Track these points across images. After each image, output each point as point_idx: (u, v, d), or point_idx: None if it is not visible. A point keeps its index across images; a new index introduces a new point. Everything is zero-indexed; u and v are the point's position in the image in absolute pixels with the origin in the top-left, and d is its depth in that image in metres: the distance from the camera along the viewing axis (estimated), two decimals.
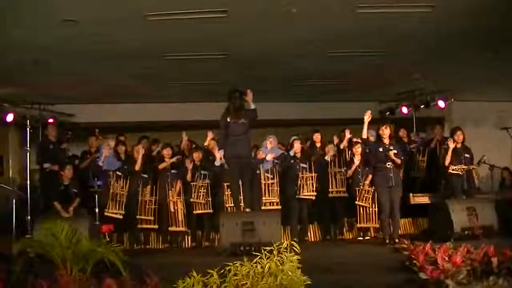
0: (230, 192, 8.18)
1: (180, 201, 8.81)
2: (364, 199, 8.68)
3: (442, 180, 8.88)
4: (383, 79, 10.56)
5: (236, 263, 5.23)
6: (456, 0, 6.72)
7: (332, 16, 7.10)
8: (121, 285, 5.25)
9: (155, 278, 5.28)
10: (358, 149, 8.86)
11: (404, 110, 11.72)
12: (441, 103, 11.18)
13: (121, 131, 10.53)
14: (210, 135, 9.41)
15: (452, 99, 11.44)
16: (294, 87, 11.01)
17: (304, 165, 8.73)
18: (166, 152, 9.01)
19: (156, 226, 8.78)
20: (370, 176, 8.50)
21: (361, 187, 8.73)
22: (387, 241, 7.70)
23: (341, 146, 9.44)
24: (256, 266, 5.16)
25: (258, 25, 7.42)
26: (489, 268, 5.99)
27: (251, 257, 5.37)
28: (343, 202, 9.10)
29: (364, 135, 8.00)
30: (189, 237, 8.97)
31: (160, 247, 8.92)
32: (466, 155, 8.43)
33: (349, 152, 9.15)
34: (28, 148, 8.51)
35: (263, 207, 8.48)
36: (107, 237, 8.17)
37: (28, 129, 8.58)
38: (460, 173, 8.30)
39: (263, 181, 8.66)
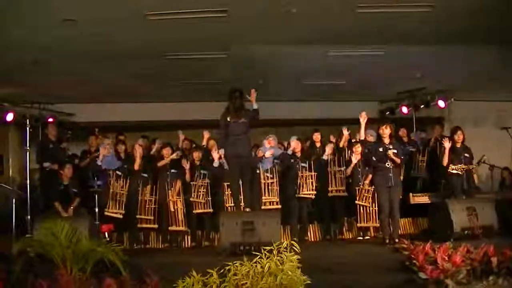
0: (230, 192, 8.19)
1: (180, 200, 8.81)
2: (364, 199, 8.68)
3: (442, 180, 8.87)
4: (383, 79, 10.56)
5: (236, 263, 5.23)
6: (456, 0, 6.72)
7: (332, 16, 7.11)
8: (121, 285, 5.25)
9: (155, 277, 5.28)
10: (358, 149, 8.86)
11: (404, 110, 11.74)
12: (441, 103, 11.20)
13: (121, 131, 10.54)
14: (206, 135, 9.43)
15: (452, 99, 11.45)
16: (294, 87, 11.01)
17: (304, 165, 8.73)
18: (166, 151, 9.00)
19: (156, 226, 8.78)
20: (370, 176, 8.50)
21: (361, 186, 8.73)
22: (387, 241, 7.71)
23: (340, 145, 9.43)
24: (256, 266, 5.16)
25: (258, 25, 7.42)
26: (489, 268, 5.99)
27: (251, 256, 5.37)
28: (342, 201, 9.10)
29: (362, 136, 8.06)
30: (189, 237, 8.98)
31: (160, 246, 8.92)
32: (466, 155, 8.43)
33: (349, 151, 9.15)
34: (28, 148, 8.50)
35: (263, 207, 8.48)
36: (107, 236, 8.17)
37: (28, 128, 8.58)
38: (460, 173, 8.30)
39: (262, 181, 8.66)
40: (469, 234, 7.42)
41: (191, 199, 8.78)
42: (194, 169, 8.93)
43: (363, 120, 7.89)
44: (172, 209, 8.74)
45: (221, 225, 6.98)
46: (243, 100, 7.54)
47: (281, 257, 5.26)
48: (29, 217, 8.17)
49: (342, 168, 9.05)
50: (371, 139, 8.68)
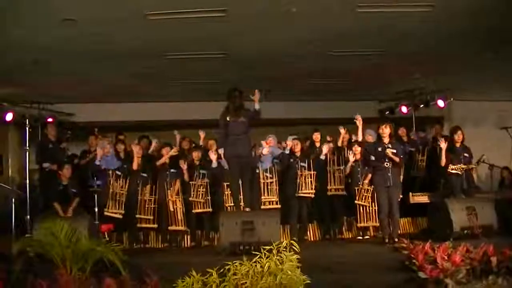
0: (229, 192, 8.19)
1: (179, 200, 8.81)
2: (363, 198, 8.69)
3: (442, 179, 8.87)
4: (383, 79, 10.57)
5: (235, 263, 5.24)
6: (456, 0, 6.72)
7: (332, 15, 7.11)
8: (120, 285, 5.25)
9: (155, 277, 5.28)
10: (357, 148, 8.87)
11: (404, 109, 11.74)
12: (441, 103, 11.20)
13: (121, 130, 10.54)
14: (202, 134, 9.44)
15: (452, 99, 11.46)
16: (294, 87, 11.01)
17: (304, 164, 8.73)
18: (165, 151, 9.00)
19: (155, 226, 8.78)
20: (369, 176, 8.50)
21: (361, 186, 8.73)
22: (387, 240, 7.71)
23: (339, 144, 9.44)
24: (256, 266, 5.17)
25: (257, 25, 7.42)
26: (489, 267, 6.00)
27: (250, 256, 5.38)
28: (341, 200, 9.11)
29: (360, 138, 8.09)
30: (189, 237, 8.97)
31: (160, 246, 8.92)
32: (466, 155, 8.43)
33: (348, 151, 9.15)
34: (28, 148, 8.50)
35: (262, 207, 8.48)
36: (106, 236, 8.17)
37: (27, 128, 8.58)
38: (460, 172, 8.30)
39: (262, 180, 8.66)
40: (468, 233, 7.41)
41: (190, 198, 8.77)
42: (193, 168, 8.92)
43: (359, 122, 7.96)
44: (171, 209, 8.74)
45: (221, 224, 6.98)
46: (243, 100, 7.53)
47: (281, 257, 5.26)
48: (28, 217, 8.17)
49: (341, 167, 9.05)
50: (371, 138, 8.68)
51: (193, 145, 9.72)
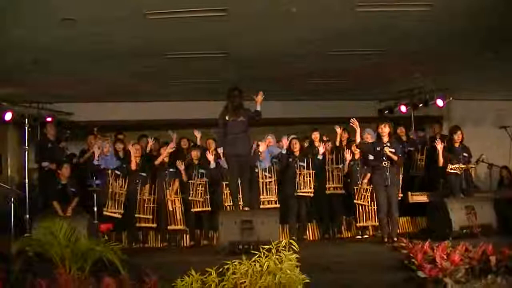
0: (228, 191, 8.19)
1: (178, 199, 8.81)
2: (362, 198, 8.69)
3: (441, 179, 8.88)
4: (383, 78, 10.57)
5: (234, 262, 5.24)
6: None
7: (332, 15, 7.10)
8: (119, 284, 5.25)
9: (154, 277, 5.28)
10: (357, 143, 8.89)
11: (403, 108, 11.74)
12: (440, 102, 11.21)
13: (121, 130, 10.54)
14: (197, 134, 9.44)
15: (451, 98, 11.47)
16: (293, 86, 11.01)
17: (302, 164, 8.74)
18: (163, 150, 8.98)
19: (154, 225, 8.78)
20: (368, 175, 8.51)
21: (360, 186, 8.74)
22: (386, 239, 7.71)
23: (337, 143, 9.44)
24: (255, 265, 5.17)
25: (257, 24, 7.42)
26: (488, 266, 6.00)
27: (249, 255, 5.38)
28: (340, 200, 9.12)
29: (358, 140, 8.11)
30: (188, 236, 8.98)
31: (159, 245, 8.91)
32: (465, 154, 8.43)
33: (347, 150, 9.17)
34: (27, 147, 8.50)
35: (261, 206, 8.48)
36: (105, 236, 8.16)
37: (26, 128, 8.57)
38: (459, 172, 8.30)
39: (261, 180, 8.66)
40: (467, 233, 7.42)
41: (189, 198, 8.77)
42: (192, 167, 8.92)
43: (356, 126, 7.98)
44: (170, 208, 8.75)
45: (220, 224, 6.99)
46: (243, 99, 7.53)
47: (280, 256, 5.27)
48: (27, 216, 8.16)
49: (340, 166, 9.06)
50: (370, 138, 8.68)
51: (192, 144, 9.71)
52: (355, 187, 8.79)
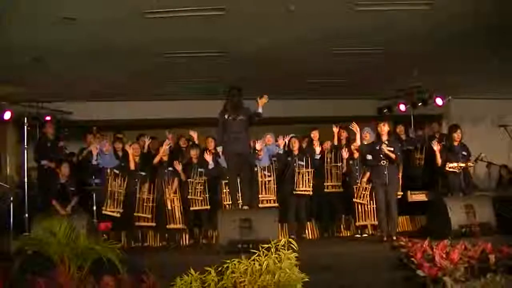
0: (227, 190, 8.19)
1: (177, 198, 8.81)
2: (362, 197, 8.69)
3: (440, 177, 8.88)
4: (382, 77, 10.56)
5: (234, 261, 5.25)
6: None
7: (331, 14, 7.09)
8: (119, 283, 5.27)
9: (153, 276, 5.29)
10: (356, 146, 8.90)
11: (402, 107, 11.74)
12: (439, 101, 11.21)
13: (120, 129, 10.53)
14: (193, 134, 9.43)
15: (450, 97, 11.46)
16: (292, 85, 11.00)
17: (302, 162, 8.74)
18: (161, 149, 8.98)
19: (153, 224, 8.77)
20: (367, 174, 8.51)
21: (359, 184, 8.74)
22: (385, 238, 7.71)
23: (335, 142, 9.45)
24: (254, 264, 5.18)
25: (256, 23, 7.41)
26: (487, 265, 6.02)
27: (249, 254, 5.38)
28: (340, 198, 9.12)
29: (358, 143, 8.22)
30: (187, 235, 8.97)
31: (158, 245, 8.90)
32: (464, 153, 8.42)
33: (346, 148, 9.18)
34: (26, 146, 8.49)
35: (260, 205, 8.48)
36: (104, 235, 8.16)
37: (25, 127, 8.56)
38: (457, 170, 8.30)
39: (260, 179, 8.66)
40: (467, 231, 7.42)
41: (188, 196, 8.77)
42: (191, 166, 8.92)
43: (356, 130, 8.15)
44: (169, 207, 8.74)
45: (219, 223, 6.99)
46: (242, 98, 7.53)
47: (279, 255, 5.27)
48: (27, 215, 8.17)
49: (339, 164, 9.07)
50: (368, 136, 8.69)
51: (191, 143, 9.69)
52: (355, 186, 8.79)
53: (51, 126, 9.91)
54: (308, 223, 9.19)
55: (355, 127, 8.09)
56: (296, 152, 8.89)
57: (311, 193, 8.73)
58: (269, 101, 7.61)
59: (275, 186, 8.76)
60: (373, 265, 6.33)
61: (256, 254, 5.29)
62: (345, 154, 8.98)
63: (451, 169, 8.27)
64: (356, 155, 8.88)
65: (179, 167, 8.87)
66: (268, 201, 8.68)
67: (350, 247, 7.75)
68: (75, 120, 11.44)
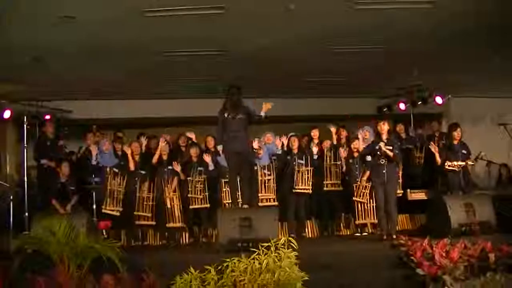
0: (227, 189, 8.19)
1: (177, 197, 8.81)
2: (361, 195, 8.70)
3: (439, 176, 8.88)
4: (382, 75, 10.55)
5: (233, 259, 5.25)
6: None
7: (330, 12, 7.08)
8: (118, 282, 5.26)
9: (153, 274, 5.29)
10: (356, 145, 8.91)
11: (402, 106, 11.73)
12: (439, 100, 11.21)
13: (119, 128, 10.53)
14: (190, 135, 9.42)
15: (450, 96, 11.46)
16: (292, 84, 10.99)
17: (301, 161, 8.75)
18: (164, 148, 8.98)
19: (153, 223, 8.78)
20: (367, 172, 8.51)
21: (359, 183, 8.74)
22: (384, 237, 7.71)
23: (334, 142, 9.46)
24: (254, 262, 5.18)
25: (255, 22, 7.40)
26: (486, 264, 6.02)
27: (248, 253, 5.38)
28: (339, 197, 9.13)
29: (361, 148, 8.41)
30: (187, 233, 8.98)
31: (158, 243, 8.91)
32: (463, 152, 8.42)
33: (346, 147, 9.18)
34: (26, 145, 8.49)
35: (259, 203, 8.48)
36: (104, 233, 8.17)
37: (25, 125, 8.55)
38: (456, 169, 8.29)
39: (260, 177, 8.67)
40: (466, 230, 7.42)
41: (188, 195, 8.77)
42: (191, 165, 8.91)
43: (361, 139, 8.40)
44: (168, 206, 8.74)
45: (219, 221, 6.99)
46: (241, 96, 7.53)
47: (279, 254, 5.27)
48: (26, 214, 8.17)
49: (338, 162, 9.08)
50: (368, 135, 8.71)
51: (190, 142, 9.69)
52: (354, 185, 8.79)
53: (50, 125, 9.90)
54: (308, 221, 9.20)
55: (361, 135, 8.24)
56: (295, 151, 8.90)
57: (310, 191, 8.74)
58: (269, 99, 7.61)
59: (275, 185, 8.76)
60: (373, 263, 6.32)
61: (256, 253, 5.29)
62: (343, 153, 8.98)
63: (450, 168, 8.27)
64: (356, 154, 8.89)
65: (178, 168, 8.86)
66: (268, 199, 8.69)
67: (350, 246, 7.75)
68: (75, 119, 11.43)
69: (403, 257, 6.30)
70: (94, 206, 8.39)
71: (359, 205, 8.74)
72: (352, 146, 8.99)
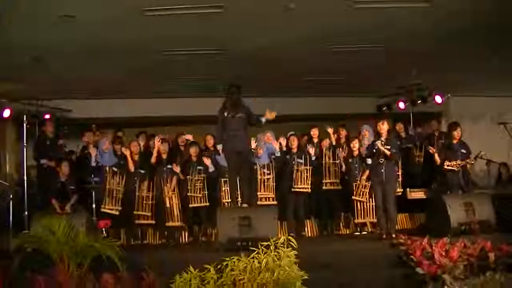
0: (227, 188, 8.19)
1: (176, 196, 8.81)
2: (361, 194, 8.70)
3: (438, 175, 8.88)
4: (382, 74, 10.55)
5: (233, 258, 5.25)
6: None
7: (330, 11, 7.08)
8: (118, 281, 5.27)
9: (152, 273, 5.29)
10: (355, 144, 8.92)
11: (401, 105, 11.74)
12: (438, 99, 11.22)
13: (119, 127, 10.52)
14: (188, 137, 9.44)
15: (449, 95, 11.46)
16: (292, 83, 10.99)
17: (300, 160, 8.75)
18: (163, 147, 8.98)
19: (153, 222, 8.78)
20: (367, 172, 8.51)
21: (358, 182, 8.74)
22: (384, 236, 7.71)
23: (333, 142, 9.46)
24: (253, 261, 5.18)
25: (254, 21, 7.40)
26: (486, 263, 6.02)
27: (248, 252, 5.38)
28: (338, 196, 9.13)
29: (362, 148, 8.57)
30: (186, 233, 8.98)
31: (157, 242, 8.91)
32: (463, 151, 8.42)
33: (346, 147, 9.18)
34: (25, 144, 8.48)
35: (258, 202, 8.49)
36: (104, 232, 8.17)
37: (25, 125, 8.55)
38: (455, 168, 8.29)
39: (259, 176, 8.67)
40: (466, 229, 7.41)
41: (188, 194, 8.77)
42: (190, 164, 8.91)
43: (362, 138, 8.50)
44: (167, 205, 8.74)
45: (218, 220, 6.99)
46: (241, 96, 7.53)
47: (278, 253, 5.27)
48: (26, 213, 8.17)
49: (337, 161, 9.08)
50: (368, 134, 8.72)
51: (189, 141, 9.69)
52: (354, 184, 8.79)
53: (50, 124, 9.90)
54: (307, 221, 9.20)
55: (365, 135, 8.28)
56: (295, 150, 8.91)
57: (309, 190, 8.75)
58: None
59: (274, 184, 8.76)
60: (372, 262, 6.33)
61: (256, 252, 5.30)
62: (341, 153, 8.98)
63: (449, 167, 8.26)
64: (356, 153, 8.90)
65: (177, 169, 8.87)
66: (267, 199, 8.70)
67: (349, 245, 7.75)
68: (74, 118, 11.43)
69: (403, 256, 6.30)
70: (94, 205, 8.40)
71: (359, 204, 8.74)
72: (351, 145, 8.99)
